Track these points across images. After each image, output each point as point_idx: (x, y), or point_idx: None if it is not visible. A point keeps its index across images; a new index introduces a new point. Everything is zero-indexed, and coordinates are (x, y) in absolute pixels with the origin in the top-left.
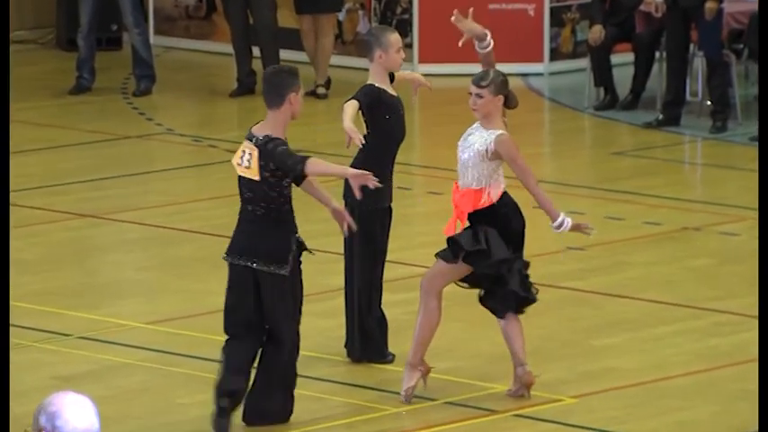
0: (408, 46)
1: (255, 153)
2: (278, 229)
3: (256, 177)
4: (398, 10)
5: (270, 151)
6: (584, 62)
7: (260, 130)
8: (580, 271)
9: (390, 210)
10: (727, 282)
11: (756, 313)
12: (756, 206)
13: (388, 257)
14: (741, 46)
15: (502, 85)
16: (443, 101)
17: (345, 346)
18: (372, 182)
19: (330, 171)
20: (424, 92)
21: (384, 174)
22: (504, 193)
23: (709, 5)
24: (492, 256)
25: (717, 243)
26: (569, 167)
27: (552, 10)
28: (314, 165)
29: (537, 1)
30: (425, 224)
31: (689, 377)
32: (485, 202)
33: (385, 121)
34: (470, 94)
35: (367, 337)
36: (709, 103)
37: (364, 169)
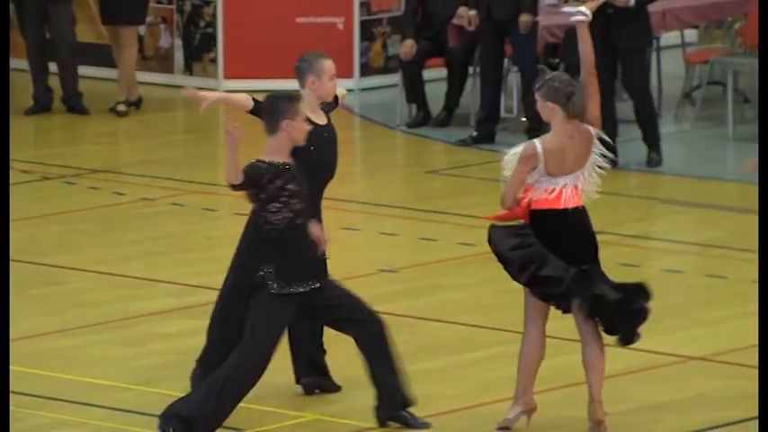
0: (212, 61)
1: None
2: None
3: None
4: (202, 23)
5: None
6: (396, 77)
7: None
8: (393, 294)
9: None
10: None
11: (574, 336)
12: None
13: (192, 282)
14: (557, 60)
15: (554, 92)
16: (248, 119)
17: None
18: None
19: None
20: (229, 109)
21: (314, 209)
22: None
23: (524, 19)
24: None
25: None
26: (382, 187)
27: (362, 23)
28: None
29: (346, 14)
30: (232, 247)
31: (505, 402)
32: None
33: (309, 152)
34: None
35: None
36: (524, 119)
37: None
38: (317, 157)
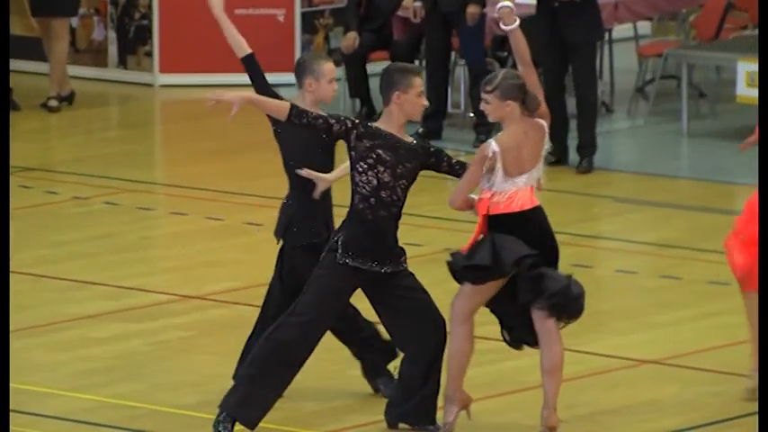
0: (148, 55)
1: None
2: None
3: None
4: (137, 15)
5: None
6: (339, 71)
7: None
8: None
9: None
10: None
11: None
12: None
13: (127, 284)
14: (505, 54)
15: (510, 89)
16: (185, 114)
17: None
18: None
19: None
20: (166, 104)
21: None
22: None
23: (471, 10)
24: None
25: None
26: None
27: (304, 15)
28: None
29: (287, 6)
30: (169, 247)
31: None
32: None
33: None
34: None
35: None
36: (472, 114)
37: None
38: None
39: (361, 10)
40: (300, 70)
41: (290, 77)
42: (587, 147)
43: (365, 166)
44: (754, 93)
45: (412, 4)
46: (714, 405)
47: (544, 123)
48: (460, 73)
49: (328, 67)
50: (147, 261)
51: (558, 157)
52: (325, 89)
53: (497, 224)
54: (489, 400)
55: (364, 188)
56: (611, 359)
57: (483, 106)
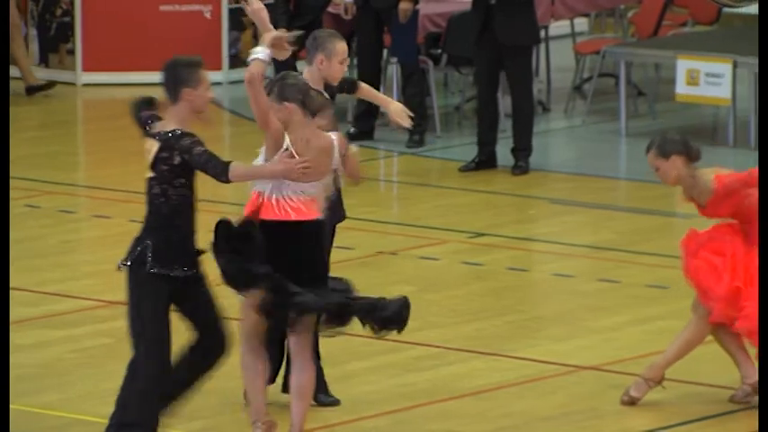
0: (70, 53)
1: (155, 148)
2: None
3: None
4: (58, 12)
5: (184, 147)
6: (268, 70)
7: (164, 126)
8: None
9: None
10: (426, 311)
11: (458, 346)
12: (457, 227)
13: (49, 289)
14: (439, 51)
15: (287, 90)
16: (109, 114)
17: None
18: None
19: (259, 174)
20: (88, 104)
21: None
22: None
23: (404, 7)
24: None
25: (415, 268)
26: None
27: (231, 12)
28: (238, 170)
29: (214, 2)
30: (92, 251)
31: (385, 417)
32: None
33: None
34: None
35: None
36: None
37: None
38: None
39: (290, 6)
40: (314, 46)
41: (218, 75)
42: (523, 149)
43: (183, 181)
44: (693, 91)
45: (343, 1)
46: (654, 412)
47: (334, 136)
48: (393, 71)
49: (341, 46)
50: (69, 265)
51: (486, 157)
52: (335, 68)
53: (265, 231)
54: (424, 408)
55: (176, 200)
56: (548, 365)
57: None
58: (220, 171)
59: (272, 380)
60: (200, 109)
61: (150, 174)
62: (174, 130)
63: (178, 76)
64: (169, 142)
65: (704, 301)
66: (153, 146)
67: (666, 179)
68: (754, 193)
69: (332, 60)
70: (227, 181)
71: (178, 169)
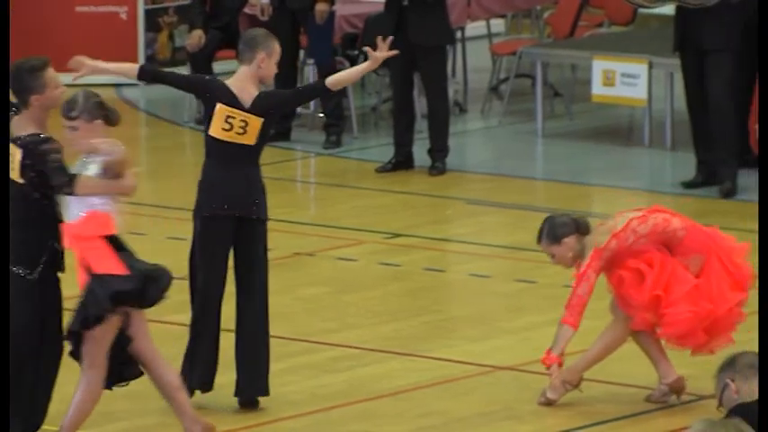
0: None
1: (18, 154)
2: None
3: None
4: None
5: (41, 156)
6: (185, 70)
7: (23, 128)
8: (184, 303)
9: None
10: (343, 312)
11: (376, 347)
12: (374, 228)
13: None
14: (356, 52)
15: (96, 108)
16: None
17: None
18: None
19: (106, 190)
20: None
21: None
22: None
23: (320, 8)
24: None
25: (332, 270)
26: (169, 188)
27: (147, 13)
28: (84, 187)
29: (130, 3)
30: None
31: (304, 418)
32: None
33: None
34: (65, 127)
35: None
36: (321, 115)
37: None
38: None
39: (207, 7)
40: (254, 45)
41: None
42: (439, 150)
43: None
44: (609, 92)
45: (259, 2)
46: (570, 412)
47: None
48: (309, 72)
49: (278, 46)
50: None
51: (403, 158)
52: (272, 69)
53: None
54: (343, 409)
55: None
56: (465, 366)
57: (70, 134)
58: (65, 183)
59: (209, 386)
60: (54, 106)
61: (20, 180)
62: (35, 135)
63: (23, 85)
64: (29, 148)
65: (624, 309)
66: (15, 152)
67: (565, 262)
68: (620, 237)
69: (272, 59)
70: (72, 193)
71: (45, 176)
